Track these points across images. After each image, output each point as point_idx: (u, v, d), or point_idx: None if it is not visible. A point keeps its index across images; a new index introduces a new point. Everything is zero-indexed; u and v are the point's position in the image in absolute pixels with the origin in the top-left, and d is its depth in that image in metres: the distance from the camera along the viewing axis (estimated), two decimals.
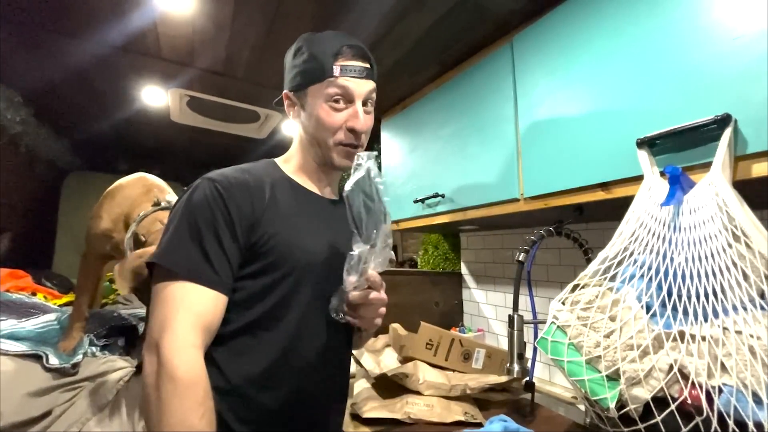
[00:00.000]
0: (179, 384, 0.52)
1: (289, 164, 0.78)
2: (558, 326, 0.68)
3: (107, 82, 1.55)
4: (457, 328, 1.60)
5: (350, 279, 0.63)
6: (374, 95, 0.75)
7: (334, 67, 0.69)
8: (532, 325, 1.03)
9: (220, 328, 0.61)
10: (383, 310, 0.71)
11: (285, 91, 0.77)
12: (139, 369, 1.09)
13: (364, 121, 0.71)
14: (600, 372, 0.60)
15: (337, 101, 0.70)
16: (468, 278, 1.69)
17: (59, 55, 1.33)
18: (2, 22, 1.12)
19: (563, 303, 0.69)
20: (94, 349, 1.16)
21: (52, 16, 1.11)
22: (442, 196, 1.25)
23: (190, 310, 0.56)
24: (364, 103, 0.72)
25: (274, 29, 1.14)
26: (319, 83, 0.70)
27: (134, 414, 1.03)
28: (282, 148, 0.81)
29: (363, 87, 0.71)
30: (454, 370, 1.13)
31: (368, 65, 0.72)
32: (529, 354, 1.06)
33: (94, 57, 1.32)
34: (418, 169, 1.40)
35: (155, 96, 1.65)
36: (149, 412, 0.53)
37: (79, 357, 1.06)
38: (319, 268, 0.69)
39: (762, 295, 0.53)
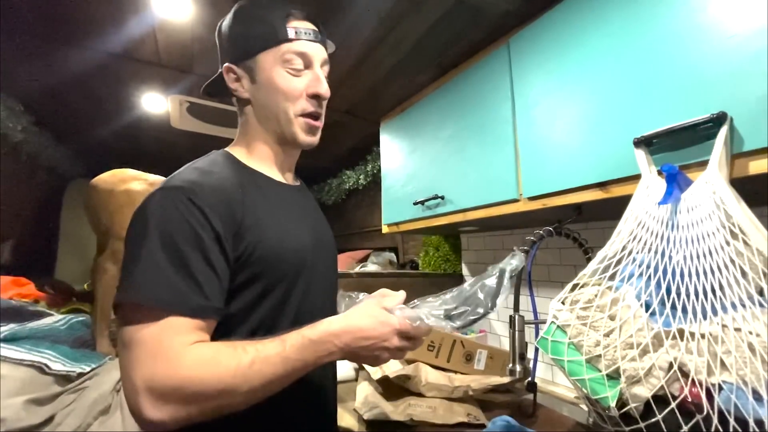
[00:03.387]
0: (200, 366, 0.47)
1: (244, 151, 0.70)
2: (558, 326, 0.68)
3: (107, 89, 1.56)
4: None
5: (410, 313, 0.57)
6: (328, 64, 0.70)
7: (288, 29, 0.64)
8: (534, 326, 1.03)
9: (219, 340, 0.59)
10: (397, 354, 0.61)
11: (226, 65, 0.67)
12: None
13: (327, 86, 0.66)
14: (600, 371, 0.60)
15: (295, 67, 0.65)
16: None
17: (59, 64, 1.34)
18: (2, 32, 1.14)
19: (563, 302, 0.70)
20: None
21: (51, 24, 1.12)
22: (442, 197, 1.25)
23: (180, 332, 0.49)
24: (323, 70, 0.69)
25: None
26: (273, 48, 0.64)
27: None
28: None
29: (320, 51, 0.67)
30: (456, 372, 1.13)
31: (319, 30, 0.68)
32: (530, 354, 1.06)
33: (94, 65, 1.34)
34: (417, 171, 1.41)
35: (155, 102, 1.66)
36: (223, 408, 0.48)
37: (86, 368, 1.06)
38: (305, 265, 0.66)
39: (761, 292, 0.53)
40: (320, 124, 0.70)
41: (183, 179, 0.57)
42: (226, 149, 0.71)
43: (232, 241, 0.56)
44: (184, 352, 0.47)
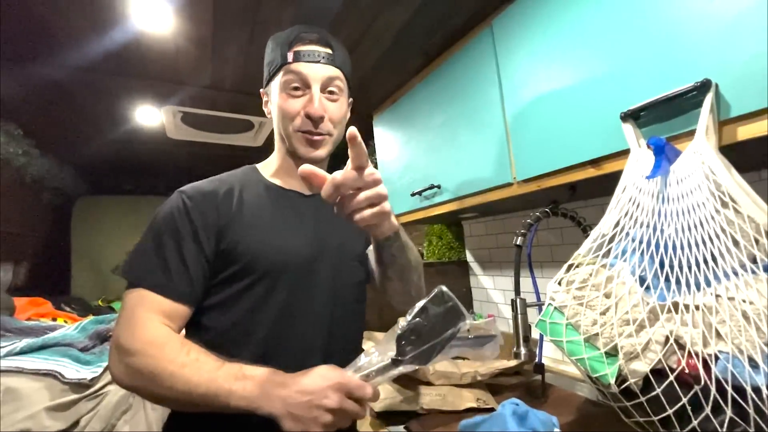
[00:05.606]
0: (149, 346, 0.55)
1: (269, 167, 0.78)
2: (555, 307, 0.68)
3: (101, 106, 1.58)
4: None
5: (364, 366, 0.53)
6: (340, 81, 0.72)
7: (288, 54, 0.69)
8: (537, 307, 1.03)
9: (202, 334, 0.63)
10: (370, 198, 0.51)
11: (261, 90, 0.78)
12: None
13: (319, 106, 0.68)
14: (599, 349, 0.61)
15: (295, 88, 0.69)
16: (474, 265, 1.69)
17: (52, 85, 1.36)
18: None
19: (559, 284, 0.70)
20: None
21: (39, 48, 1.14)
22: (438, 186, 1.25)
23: (150, 308, 0.59)
24: (326, 89, 0.71)
25: (255, 38, 1.15)
26: (278, 73, 0.71)
27: (161, 408, 1.06)
28: None
29: (320, 71, 0.69)
30: (464, 359, 1.14)
31: (328, 50, 0.71)
32: (536, 335, 1.06)
33: (85, 83, 1.35)
34: (412, 162, 1.40)
35: (149, 115, 1.68)
36: (153, 396, 0.56)
37: (98, 370, 1.09)
38: (299, 267, 0.67)
39: (753, 260, 0.52)
40: (320, 138, 0.71)
41: (192, 184, 0.69)
42: (257, 164, 0.80)
43: (215, 237, 0.64)
44: (145, 325, 0.57)
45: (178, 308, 0.61)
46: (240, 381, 0.52)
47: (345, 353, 0.75)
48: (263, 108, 0.79)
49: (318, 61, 0.69)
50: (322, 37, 0.72)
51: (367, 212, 0.51)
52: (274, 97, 0.73)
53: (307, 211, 0.75)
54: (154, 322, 0.58)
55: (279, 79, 0.71)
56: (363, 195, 0.50)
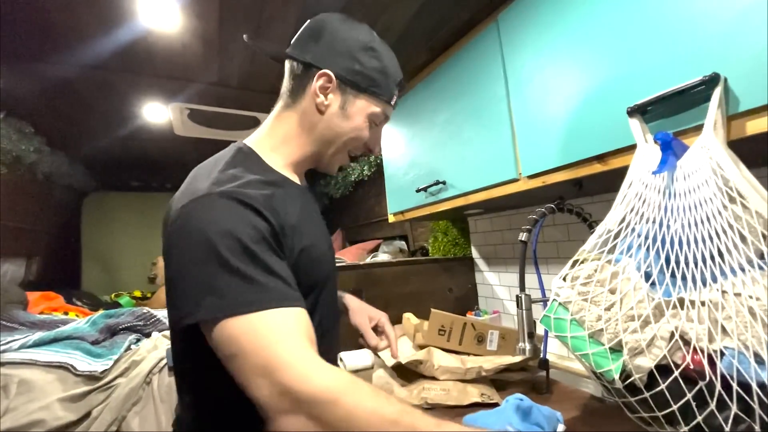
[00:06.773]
0: (341, 396, 0.42)
1: (278, 157, 0.69)
2: (560, 303, 0.68)
3: (109, 103, 1.60)
4: (473, 312, 1.61)
5: None
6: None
7: (393, 95, 0.74)
8: (542, 303, 1.03)
9: None
10: None
11: (328, 71, 0.66)
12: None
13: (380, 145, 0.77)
14: (603, 345, 0.61)
15: (376, 122, 0.73)
16: (479, 262, 1.69)
17: (61, 83, 1.38)
18: (3, 57, 1.17)
19: (564, 279, 0.70)
20: (132, 338, 1.24)
21: (48, 46, 1.15)
22: (443, 183, 1.25)
23: (290, 334, 0.46)
24: None
25: (261, 35, 1.16)
26: (376, 99, 0.71)
27: (170, 400, 1.08)
28: None
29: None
30: (469, 354, 1.14)
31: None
32: (541, 331, 1.06)
33: (93, 81, 1.37)
34: (417, 158, 1.40)
35: (157, 112, 1.70)
36: None
37: (109, 363, 1.11)
38: (331, 271, 0.72)
39: (761, 256, 0.52)
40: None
41: (226, 186, 0.54)
42: (248, 144, 0.68)
43: (277, 240, 0.56)
44: (315, 361, 0.45)
45: (307, 317, 0.50)
46: None
47: (338, 347, 0.79)
48: (318, 92, 0.67)
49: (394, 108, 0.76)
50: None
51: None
52: (353, 110, 0.69)
53: (313, 207, 0.74)
54: (312, 354, 0.46)
55: (371, 104, 0.71)
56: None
